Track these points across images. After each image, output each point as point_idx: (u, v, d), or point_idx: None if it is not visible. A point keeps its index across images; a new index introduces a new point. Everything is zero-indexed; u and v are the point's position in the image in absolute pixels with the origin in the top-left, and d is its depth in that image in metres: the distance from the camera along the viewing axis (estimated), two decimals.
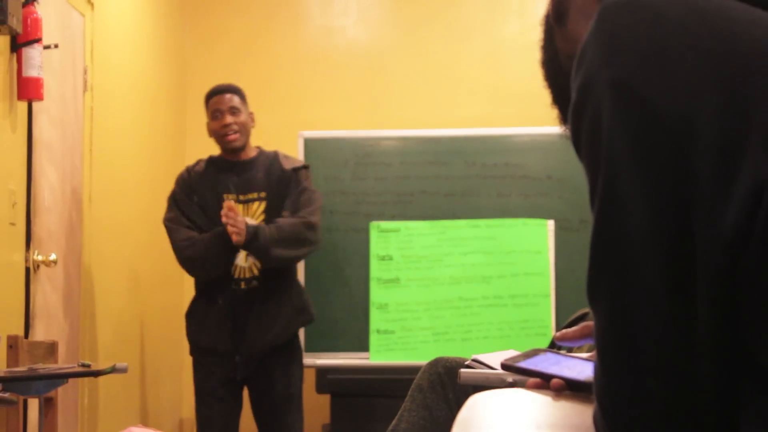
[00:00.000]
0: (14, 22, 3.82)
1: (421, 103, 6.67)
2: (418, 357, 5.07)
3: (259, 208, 4.73)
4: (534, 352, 1.58)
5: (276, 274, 4.70)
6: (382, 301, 5.33)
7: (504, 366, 1.55)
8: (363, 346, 5.39)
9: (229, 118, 4.75)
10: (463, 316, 5.33)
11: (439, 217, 5.53)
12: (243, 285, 4.68)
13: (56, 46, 4.27)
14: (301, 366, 4.91)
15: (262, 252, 4.62)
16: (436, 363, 2.76)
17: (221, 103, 4.79)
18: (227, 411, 4.76)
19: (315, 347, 5.54)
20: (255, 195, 4.74)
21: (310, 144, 5.70)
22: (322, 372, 5.61)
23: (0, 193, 3.92)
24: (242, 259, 4.68)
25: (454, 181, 5.67)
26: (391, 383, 5.20)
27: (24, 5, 3.94)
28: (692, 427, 1.06)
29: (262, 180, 4.76)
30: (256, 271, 4.68)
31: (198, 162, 4.88)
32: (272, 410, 4.75)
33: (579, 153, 1.14)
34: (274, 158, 4.82)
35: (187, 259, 4.71)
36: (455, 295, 5.35)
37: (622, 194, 1.07)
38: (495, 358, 2.63)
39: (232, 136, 4.74)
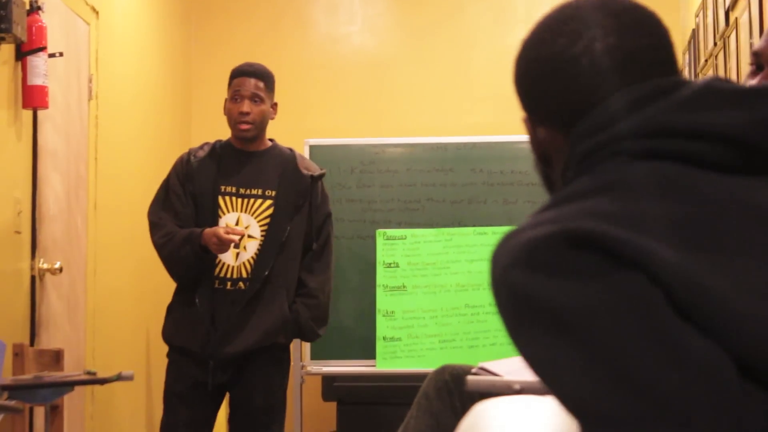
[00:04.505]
0: (19, 30, 3.82)
1: (427, 110, 6.67)
2: (425, 364, 5.06)
3: (262, 206, 4.27)
4: None
5: (269, 280, 4.24)
6: (389, 309, 5.32)
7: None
8: (369, 353, 5.37)
9: (247, 106, 4.28)
10: (470, 323, 5.31)
11: (445, 225, 5.52)
12: (229, 285, 4.22)
13: (61, 54, 4.27)
14: (286, 376, 4.40)
15: (311, 338, 4.49)
16: (442, 370, 2.74)
17: (244, 86, 4.31)
18: (193, 417, 4.26)
19: (321, 354, 5.53)
20: (259, 191, 4.28)
21: (315, 152, 5.70)
22: (328, 379, 5.60)
23: (5, 202, 3.92)
24: (231, 258, 4.20)
25: (461, 188, 5.67)
26: (397, 391, 5.19)
27: (29, 14, 3.95)
28: None
29: (271, 178, 4.31)
30: (245, 273, 4.21)
31: (203, 146, 4.42)
32: (248, 422, 4.30)
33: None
34: (290, 157, 4.39)
35: (163, 259, 4.27)
36: (462, 303, 5.33)
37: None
38: (502, 366, 2.62)
39: (245, 126, 4.27)
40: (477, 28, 6.75)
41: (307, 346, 5.52)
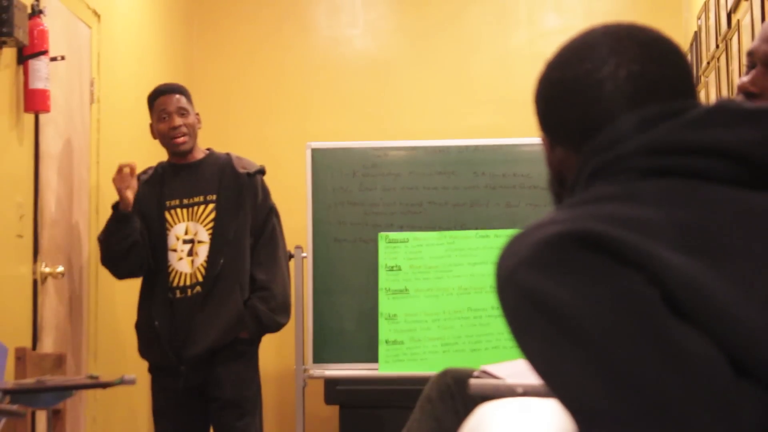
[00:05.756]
0: (21, 34, 3.82)
1: (429, 113, 6.67)
2: (427, 368, 5.06)
3: (206, 211, 4.45)
4: None
5: (220, 278, 4.40)
6: (391, 312, 5.31)
7: None
8: (372, 356, 5.36)
9: (177, 120, 4.46)
10: (473, 326, 5.31)
11: (447, 228, 5.52)
12: (189, 292, 4.40)
13: (63, 58, 4.27)
14: (254, 370, 4.58)
15: (273, 328, 4.53)
16: (445, 374, 2.74)
17: (168, 103, 4.47)
18: (181, 428, 4.49)
19: (323, 358, 5.52)
20: (201, 198, 4.46)
21: (317, 155, 5.69)
22: (330, 383, 5.60)
23: (7, 206, 3.91)
24: (187, 266, 4.42)
25: (463, 191, 5.66)
26: (400, 394, 5.18)
27: (30, 17, 3.95)
28: None
29: (210, 183, 4.49)
30: (200, 277, 4.39)
31: (148, 169, 4.62)
32: (221, 416, 4.45)
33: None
34: (226, 160, 4.55)
35: (102, 253, 4.47)
36: (464, 306, 5.33)
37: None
38: (504, 369, 2.62)
39: (181, 139, 4.46)
40: (479, 31, 6.75)
41: (309, 350, 5.52)
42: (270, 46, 6.80)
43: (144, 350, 4.53)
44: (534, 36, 6.67)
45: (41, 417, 3.94)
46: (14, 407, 3.03)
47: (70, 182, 4.55)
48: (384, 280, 5.34)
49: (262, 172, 4.59)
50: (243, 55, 6.82)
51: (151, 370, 4.58)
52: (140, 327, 4.53)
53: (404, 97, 6.72)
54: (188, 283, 4.40)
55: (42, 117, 4.17)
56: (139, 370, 5.26)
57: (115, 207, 4.39)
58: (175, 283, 4.41)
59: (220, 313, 4.38)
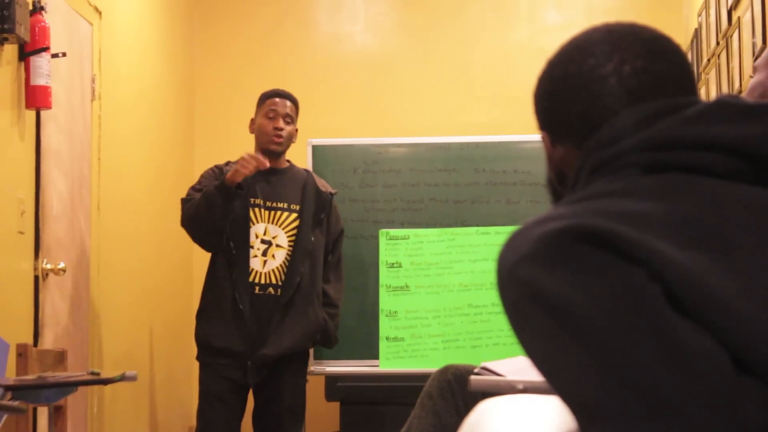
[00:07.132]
0: (22, 30, 3.83)
1: (429, 109, 6.67)
2: (428, 364, 5.05)
3: (289, 218, 4.65)
4: None
5: (299, 287, 4.62)
6: (392, 309, 5.31)
7: None
8: (372, 353, 5.36)
9: (281, 123, 4.69)
10: (473, 323, 5.30)
11: (448, 225, 5.52)
12: (257, 290, 4.57)
13: (64, 54, 4.28)
14: (306, 378, 4.83)
15: (334, 345, 4.93)
16: (445, 370, 2.75)
17: (281, 106, 4.74)
18: (230, 416, 4.64)
19: (324, 355, 5.52)
20: (285, 205, 4.68)
21: (318, 151, 5.69)
22: (331, 379, 5.60)
23: (9, 202, 3.92)
24: (259, 264, 4.59)
25: (464, 188, 5.66)
26: (400, 391, 5.18)
27: (32, 14, 3.95)
28: None
29: (294, 193, 4.71)
30: (275, 279, 4.60)
31: (228, 163, 4.71)
32: (277, 420, 4.67)
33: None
34: (308, 176, 4.80)
35: (190, 216, 4.54)
36: (465, 303, 5.32)
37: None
38: (504, 366, 2.62)
39: (278, 140, 4.67)
40: (480, 28, 6.75)
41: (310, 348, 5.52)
42: (271, 43, 6.80)
43: (214, 333, 4.59)
44: (535, 32, 6.67)
45: (43, 413, 3.95)
46: (15, 404, 3.03)
47: (72, 178, 4.56)
48: (384, 276, 5.34)
49: (335, 194, 4.86)
50: (244, 52, 6.82)
51: (208, 356, 4.64)
52: (213, 310, 4.62)
53: (405, 93, 6.72)
54: (263, 281, 4.59)
55: (43, 113, 4.18)
56: (140, 366, 5.27)
57: (226, 182, 4.44)
58: (254, 280, 4.58)
59: (300, 322, 4.61)
